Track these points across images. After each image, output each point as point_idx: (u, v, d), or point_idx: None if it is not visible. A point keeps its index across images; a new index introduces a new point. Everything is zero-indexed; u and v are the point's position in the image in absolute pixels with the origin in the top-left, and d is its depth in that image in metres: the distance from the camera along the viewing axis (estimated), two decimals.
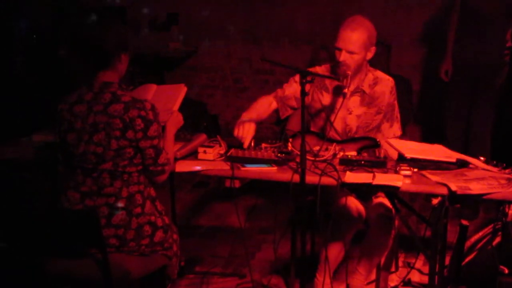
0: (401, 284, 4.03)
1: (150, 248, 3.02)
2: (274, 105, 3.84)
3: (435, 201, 3.28)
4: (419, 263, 4.27)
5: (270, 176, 3.32)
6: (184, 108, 3.52)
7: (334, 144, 3.52)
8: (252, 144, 3.51)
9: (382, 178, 3.16)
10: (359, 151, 3.55)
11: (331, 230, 3.60)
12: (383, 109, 3.81)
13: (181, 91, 3.52)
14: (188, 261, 4.27)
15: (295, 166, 3.28)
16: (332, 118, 3.75)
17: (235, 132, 3.52)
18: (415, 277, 4.14)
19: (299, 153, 3.17)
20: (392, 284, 4.03)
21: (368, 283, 3.91)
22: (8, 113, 5.94)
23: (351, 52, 3.61)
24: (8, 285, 3.59)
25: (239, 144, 3.49)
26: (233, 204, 4.26)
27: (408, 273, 4.05)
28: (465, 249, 3.75)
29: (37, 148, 3.63)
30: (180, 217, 4.61)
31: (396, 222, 3.66)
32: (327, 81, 3.80)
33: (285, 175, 3.26)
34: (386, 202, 3.57)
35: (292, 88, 3.80)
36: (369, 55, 3.71)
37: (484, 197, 3.05)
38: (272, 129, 6.55)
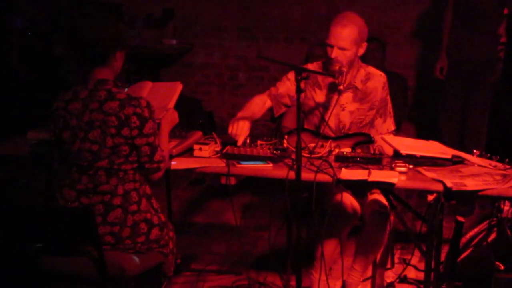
0: (397, 280, 4.04)
1: (146, 246, 3.02)
2: (268, 103, 3.83)
3: (430, 197, 3.28)
4: (415, 259, 4.28)
5: (265, 173, 3.32)
6: (179, 105, 3.51)
7: (330, 141, 3.52)
8: (248, 141, 3.51)
9: (377, 175, 3.16)
10: (353, 147, 3.55)
11: (326, 227, 3.60)
12: (376, 105, 3.81)
13: (177, 88, 3.52)
14: (184, 258, 4.27)
15: (291, 163, 3.28)
16: (327, 115, 3.75)
17: (229, 130, 3.52)
18: (411, 273, 4.15)
19: (294, 150, 3.17)
20: (388, 281, 4.03)
21: (364, 280, 3.91)
22: (3, 111, 5.92)
23: (342, 49, 3.61)
24: (3, 282, 3.59)
25: (233, 142, 3.49)
26: (229, 201, 4.27)
27: (404, 269, 4.06)
28: (461, 246, 3.76)
29: (32, 145, 3.62)
30: (176, 214, 4.62)
31: (392, 219, 3.67)
32: (320, 78, 3.80)
33: (281, 172, 3.26)
34: (382, 198, 3.57)
35: (285, 86, 3.79)
36: (361, 51, 3.71)
37: (480, 193, 3.05)
38: (268, 126, 6.55)
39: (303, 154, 3.29)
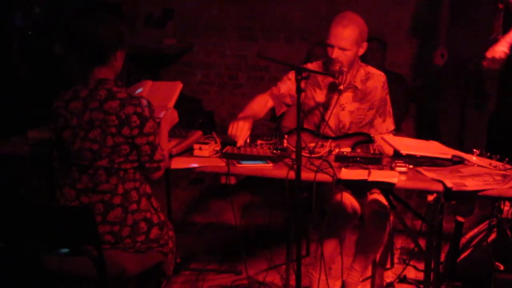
0: (397, 280, 4.04)
1: (146, 245, 3.02)
2: (270, 103, 3.82)
3: (430, 197, 3.28)
4: (415, 259, 4.28)
5: (265, 172, 3.32)
6: (179, 104, 3.51)
7: (330, 140, 3.52)
8: (248, 141, 3.51)
9: (377, 175, 3.16)
10: (353, 147, 3.55)
11: (326, 226, 3.61)
12: (376, 104, 3.81)
13: (177, 88, 3.52)
14: (183, 257, 4.28)
15: (291, 162, 3.28)
16: (327, 115, 3.75)
17: (229, 131, 3.51)
18: (411, 273, 4.15)
19: (294, 149, 3.17)
20: (387, 281, 4.03)
21: (364, 280, 3.91)
22: (3, 110, 5.92)
23: (343, 49, 3.61)
24: (3, 281, 3.59)
25: (232, 143, 3.48)
26: (229, 201, 4.26)
27: (404, 269, 4.06)
28: (461, 246, 3.76)
29: (32, 145, 3.62)
30: (176, 213, 4.61)
31: (392, 219, 3.67)
32: (320, 78, 3.80)
33: (281, 171, 3.26)
34: (381, 198, 3.57)
35: (286, 85, 3.79)
36: (361, 51, 3.71)
37: (480, 193, 3.05)
38: (268, 126, 6.54)
39: (303, 153, 3.29)
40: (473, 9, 5.18)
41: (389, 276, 4.09)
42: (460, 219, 3.50)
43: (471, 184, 3.05)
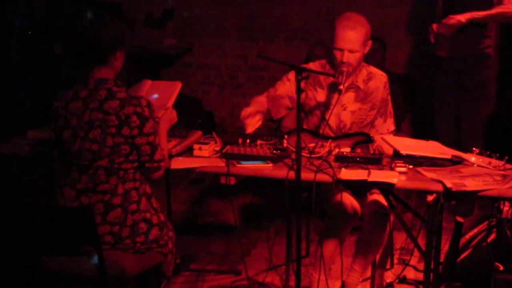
0: (396, 281, 4.04)
1: (146, 245, 3.02)
2: (265, 105, 3.80)
3: (430, 198, 3.28)
4: (414, 260, 4.27)
5: (265, 173, 3.32)
6: (179, 104, 3.51)
7: (330, 141, 3.52)
8: (248, 141, 3.50)
9: (377, 175, 3.16)
10: (353, 147, 3.55)
11: (326, 227, 3.61)
12: (377, 105, 3.82)
13: (176, 87, 3.51)
14: (183, 258, 4.27)
15: (291, 163, 3.28)
16: (327, 115, 3.74)
17: (242, 114, 3.48)
18: (410, 274, 4.15)
19: (294, 150, 3.17)
20: (387, 281, 4.03)
21: (363, 280, 3.91)
22: (3, 110, 5.93)
23: (353, 51, 3.61)
24: (4, 281, 3.59)
25: (241, 134, 3.47)
26: (229, 201, 4.26)
27: (403, 270, 4.06)
28: (460, 246, 3.75)
29: (32, 145, 3.62)
30: (176, 214, 4.61)
31: (391, 219, 3.67)
32: (322, 77, 3.80)
33: (281, 172, 3.26)
34: (381, 199, 3.57)
35: (285, 86, 3.78)
36: (367, 49, 3.71)
37: (479, 193, 3.05)
38: (268, 126, 6.54)
39: (303, 154, 3.29)
40: (463, 4, 5.16)
41: (388, 277, 4.08)
42: (459, 219, 3.50)
43: (471, 184, 3.05)
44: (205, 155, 3.45)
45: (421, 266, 3.78)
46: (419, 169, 3.27)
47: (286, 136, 3.55)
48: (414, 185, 3.19)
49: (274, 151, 3.41)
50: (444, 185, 3.04)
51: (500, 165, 3.28)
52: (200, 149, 3.46)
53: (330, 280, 3.76)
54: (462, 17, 5.01)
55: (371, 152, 3.46)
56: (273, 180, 3.29)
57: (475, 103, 5.35)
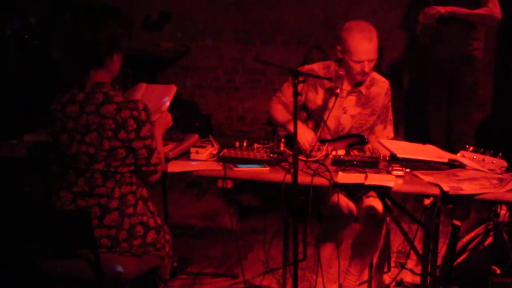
0: (393, 284, 4.04)
1: (142, 249, 3.01)
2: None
3: (427, 201, 3.28)
4: (411, 263, 4.28)
5: (262, 176, 3.32)
6: (176, 108, 3.51)
7: (327, 144, 3.52)
8: (245, 144, 3.50)
9: (374, 178, 3.17)
10: (347, 149, 3.56)
11: (324, 229, 3.61)
12: (377, 111, 3.82)
13: (171, 91, 3.50)
14: (180, 261, 4.27)
15: (288, 166, 3.28)
16: (326, 117, 3.75)
17: (304, 147, 3.53)
18: (407, 277, 4.15)
19: (291, 153, 3.17)
20: (385, 284, 4.03)
21: (360, 284, 3.91)
22: (0, 113, 5.92)
23: (371, 60, 3.65)
24: (1, 284, 3.59)
25: (238, 138, 3.47)
26: (226, 205, 4.26)
27: (399, 273, 4.06)
28: (457, 249, 3.75)
29: (29, 148, 3.61)
30: (173, 217, 4.61)
31: (388, 223, 3.67)
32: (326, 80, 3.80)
33: (278, 175, 3.26)
34: (377, 202, 3.57)
35: (289, 94, 3.75)
36: None
37: (476, 197, 3.05)
38: (265, 130, 6.55)
39: (300, 157, 3.29)
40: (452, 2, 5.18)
41: (386, 280, 4.08)
42: (456, 222, 3.50)
43: (468, 188, 3.06)
44: (202, 159, 3.45)
45: (418, 269, 3.78)
46: (416, 172, 3.27)
47: (283, 140, 3.55)
48: (411, 188, 3.20)
49: (271, 155, 3.41)
50: (441, 188, 3.05)
51: (494, 162, 3.29)
52: (197, 152, 3.46)
53: (327, 283, 3.76)
54: (443, 8, 5.06)
55: (367, 153, 3.46)
56: (270, 184, 3.29)
57: (466, 105, 5.36)
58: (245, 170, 3.35)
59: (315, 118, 3.85)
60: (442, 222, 3.39)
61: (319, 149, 3.48)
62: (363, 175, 3.19)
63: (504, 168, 3.29)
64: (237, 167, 3.35)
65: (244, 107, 7.11)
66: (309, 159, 3.39)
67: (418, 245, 3.45)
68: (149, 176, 3.08)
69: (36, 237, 2.95)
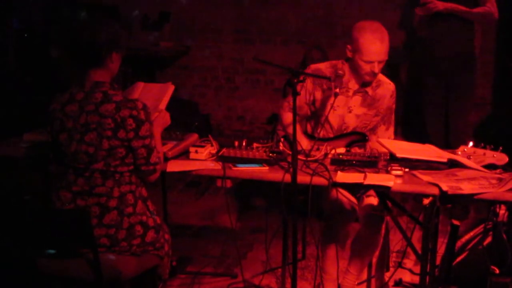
0: (392, 283, 4.04)
1: (142, 248, 3.01)
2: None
3: (426, 201, 3.28)
4: (410, 263, 4.28)
5: (261, 176, 3.32)
6: (176, 107, 3.51)
7: (326, 144, 3.52)
8: (244, 143, 3.50)
9: (373, 178, 3.17)
10: (347, 146, 3.56)
11: (325, 226, 3.61)
12: (381, 112, 3.84)
13: (169, 89, 3.50)
14: (179, 260, 4.27)
15: (287, 166, 3.28)
16: (324, 117, 3.75)
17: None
18: (406, 277, 4.15)
19: (290, 152, 3.17)
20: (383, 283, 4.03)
21: (359, 283, 3.91)
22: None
23: (381, 62, 3.66)
24: (0, 283, 3.59)
25: (237, 137, 3.46)
26: (225, 204, 4.25)
27: (395, 272, 4.05)
28: (456, 249, 3.75)
29: (28, 147, 3.61)
30: (172, 216, 4.61)
31: (388, 222, 3.67)
32: (349, 82, 3.80)
33: (277, 175, 3.26)
34: (377, 201, 3.57)
35: (301, 95, 3.72)
36: None
37: (475, 197, 3.05)
38: (264, 129, 6.55)
39: (299, 157, 3.29)
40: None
41: (384, 280, 4.08)
42: (455, 222, 3.50)
43: (467, 188, 3.06)
44: (201, 158, 3.45)
45: (417, 269, 3.78)
46: (415, 172, 3.27)
47: (282, 139, 3.55)
48: (410, 188, 3.19)
49: (270, 154, 3.41)
50: (440, 188, 3.05)
51: (494, 155, 3.28)
52: (196, 152, 3.46)
53: (326, 283, 3.76)
54: (442, 5, 5.06)
55: (367, 151, 3.46)
56: (270, 183, 3.29)
57: (464, 104, 5.37)
58: (244, 169, 3.34)
59: (319, 117, 3.84)
60: (441, 222, 3.39)
61: (318, 149, 3.48)
62: (362, 175, 3.19)
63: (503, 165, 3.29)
64: (236, 166, 3.35)
65: (243, 107, 7.11)
66: (308, 158, 3.39)
67: (417, 245, 3.45)
68: (149, 175, 3.08)
69: (36, 237, 2.95)
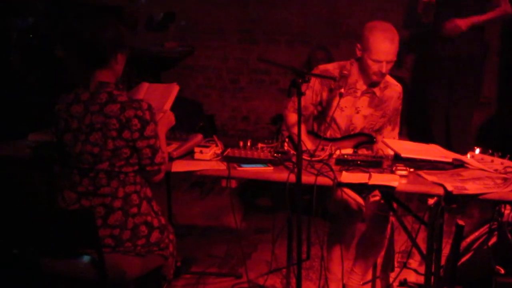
0: (397, 284, 4.03)
1: (146, 248, 3.02)
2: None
3: (431, 201, 3.28)
4: (415, 263, 4.28)
5: (266, 176, 3.32)
6: (180, 108, 3.51)
7: (331, 144, 3.52)
8: (249, 144, 3.51)
9: (378, 178, 3.16)
10: (355, 148, 3.56)
11: (331, 226, 3.61)
12: (388, 113, 3.84)
13: (173, 90, 3.50)
14: (184, 261, 4.27)
15: (291, 166, 3.28)
16: (329, 117, 3.75)
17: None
18: (411, 277, 4.15)
19: (295, 152, 3.17)
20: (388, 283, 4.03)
21: (364, 283, 3.91)
22: (4, 112, 5.92)
23: (390, 62, 3.65)
24: (4, 284, 3.59)
25: (242, 137, 3.46)
26: (229, 204, 4.25)
27: (400, 272, 4.05)
28: (461, 249, 3.75)
29: (33, 148, 3.62)
30: (177, 217, 4.61)
31: (392, 222, 3.66)
32: (357, 83, 3.80)
33: (281, 175, 3.26)
34: (382, 202, 3.57)
35: (306, 96, 3.72)
36: None
37: (480, 197, 3.05)
38: (269, 129, 6.54)
39: (304, 157, 3.29)
40: (458, 4, 5.16)
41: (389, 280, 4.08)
42: (460, 222, 3.50)
43: (472, 188, 3.05)
44: (206, 158, 3.45)
45: (422, 269, 3.78)
46: (420, 172, 3.26)
47: (287, 139, 3.55)
48: (415, 188, 3.19)
49: (275, 154, 3.41)
50: (445, 188, 3.04)
51: (502, 163, 3.28)
52: (201, 152, 3.46)
53: (331, 283, 3.76)
54: (464, 24, 5.03)
55: (375, 152, 3.46)
56: (274, 183, 3.29)
57: (468, 105, 5.36)
58: (249, 169, 3.34)
59: (326, 117, 3.84)
60: (446, 222, 3.39)
61: (323, 149, 3.48)
62: (367, 175, 3.19)
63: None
64: (241, 166, 3.35)
65: (248, 107, 7.11)
66: (313, 158, 3.39)
67: (422, 245, 3.45)
68: (153, 175, 3.09)
69: (40, 237, 2.95)
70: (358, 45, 3.70)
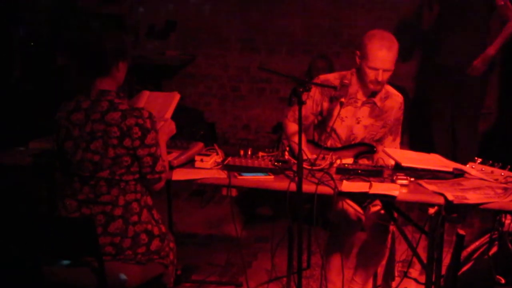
0: None
1: (147, 257, 3.01)
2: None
3: (431, 210, 3.28)
4: (416, 272, 4.27)
5: (266, 185, 3.32)
6: (181, 116, 3.51)
7: (331, 153, 3.52)
8: (249, 152, 3.51)
9: (378, 187, 3.16)
10: (355, 158, 3.56)
11: (331, 235, 3.61)
12: (389, 124, 3.84)
13: (174, 98, 3.50)
14: (184, 269, 4.27)
15: (292, 175, 3.28)
16: (330, 127, 3.75)
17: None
18: (412, 286, 4.15)
19: (295, 161, 3.17)
20: None
21: None
22: (5, 120, 5.93)
23: (388, 70, 3.64)
24: None
25: (242, 146, 3.47)
26: (230, 213, 4.25)
27: (401, 281, 4.04)
28: (462, 259, 3.75)
29: (34, 155, 3.62)
30: (177, 225, 4.61)
31: (393, 232, 3.66)
32: (356, 93, 3.80)
33: (282, 184, 3.26)
34: (383, 211, 3.57)
35: (307, 106, 3.72)
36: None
37: (481, 206, 3.05)
38: (269, 138, 6.55)
39: (305, 166, 3.29)
40: (463, 15, 5.17)
41: None
42: (461, 232, 3.50)
43: (472, 197, 3.05)
44: (206, 167, 3.45)
45: (423, 278, 3.77)
46: (420, 181, 3.26)
47: (287, 148, 3.55)
48: (416, 197, 3.19)
49: (276, 163, 3.41)
50: (445, 197, 3.04)
51: (502, 174, 3.28)
52: (201, 160, 3.46)
53: None
54: (493, 50, 5.06)
55: (375, 162, 3.46)
56: (275, 192, 3.29)
57: (472, 115, 5.35)
58: (249, 178, 3.35)
59: (326, 126, 3.84)
60: (446, 231, 3.38)
61: (323, 158, 3.48)
62: (367, 184, 3.19)
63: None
64: (241, 175, 3.35)
65: (248, 116, 7.11)
66: (314, 167, 3.39)
67: (423, 254, 3.44)
68: (154, 184, 3.09)
69: (41, 245, 2.95)
70: (357, 52, 3.71)
